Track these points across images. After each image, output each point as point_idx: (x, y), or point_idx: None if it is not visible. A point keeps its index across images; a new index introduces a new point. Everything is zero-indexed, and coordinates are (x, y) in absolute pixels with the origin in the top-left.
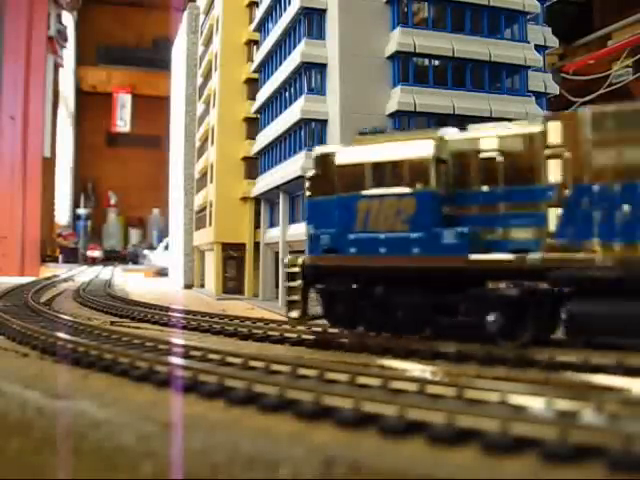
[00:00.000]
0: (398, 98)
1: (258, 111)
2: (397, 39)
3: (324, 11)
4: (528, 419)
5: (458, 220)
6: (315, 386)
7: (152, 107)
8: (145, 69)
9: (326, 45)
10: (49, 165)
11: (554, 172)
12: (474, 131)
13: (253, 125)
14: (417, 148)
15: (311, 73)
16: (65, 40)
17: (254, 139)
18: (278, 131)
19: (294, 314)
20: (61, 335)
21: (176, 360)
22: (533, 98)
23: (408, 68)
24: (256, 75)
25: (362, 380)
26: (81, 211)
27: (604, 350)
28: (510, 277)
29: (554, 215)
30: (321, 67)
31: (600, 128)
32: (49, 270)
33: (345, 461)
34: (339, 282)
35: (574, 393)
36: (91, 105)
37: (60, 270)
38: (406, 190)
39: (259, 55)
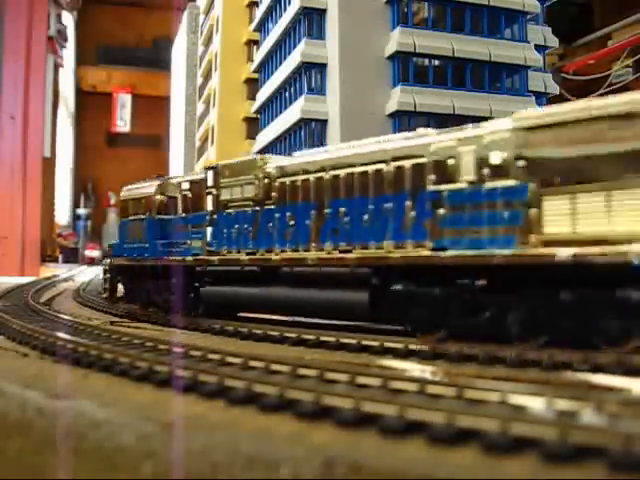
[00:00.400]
0: (398, 98)
1: (258, 111)
2: (397, 39)
3: (324, 11)
4: (528, 419)
5: (169, 235)
6: (315, 386)
7: (152, 107)
8: (145, 69)
9: (326, 45)
10: (49, 165)
11: (209, 204)
12: (182, 177)
13: (253, 125)
14: (148, 189)
15: (311, 73)
16: (65, 40)
17: (254, 139)
18: (278, 131)
19: (105, 295)
20: (61, 335)
21: (176, 360)
22: (533, 98)
23: (408, 68)
24: (256, 75)
25: (362, 380)
26: (81, 211)
27: (604, 350)
28: (184, 270)
29: (209, 231)
30: (321, 67)
31: (223, 175)
32: (49, 270)
33: (345, 461)
34: (126, 275)
35: (574, 393)
36: (91, 105)
37: (60, 270)
38: (143, 216)
39: (259, 55)
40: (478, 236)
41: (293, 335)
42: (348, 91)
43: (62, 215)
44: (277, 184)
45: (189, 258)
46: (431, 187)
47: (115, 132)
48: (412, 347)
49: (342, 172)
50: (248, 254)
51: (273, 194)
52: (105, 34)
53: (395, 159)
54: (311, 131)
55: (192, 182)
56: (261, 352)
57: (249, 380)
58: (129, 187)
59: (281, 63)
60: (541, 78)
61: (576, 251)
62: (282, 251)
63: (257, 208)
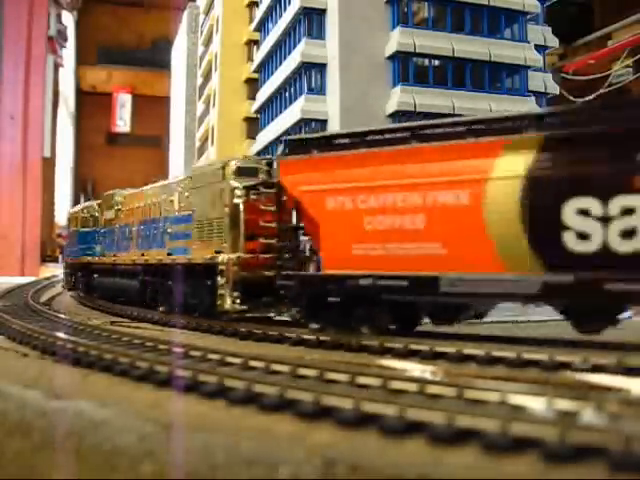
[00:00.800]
0: (398, 98)
1: (258, 111)
2: (397, 39)
3: (324, 11)
4: (528, 419)
5: (88, 242)
6: (315, 386)
7: (152, 107)
8: (145, 69)
9: (326, 45)
10: (49, 165)
11: (108, 221)
12: (97, 200)
13: (253, 125)
14: (84, 208)
15: (311, 73)
16: (65, 40)
17: (254, 139)
18: (278, 131)
19: (66, 286)
20: (61, 335)
21: (176, 360)
22: (533, 98)
23: (408, 68)
24: (256, 75)
25: (362, 380)
26: None
27: (604, 350)
28: (88, 266)
29: (102, 240)
30: (321, 67)
31: (103, 201)
32: (49, 270)
33: (345, 461)
34: (72, 270)
35: (574, 393)
36: (91, 105)
37: (60, 270)
38: (74, 229)
39: (259, 55)
40: (179, 246)
41: (293, 335)
42: (348, 91)
43: (62, 215)
44: (122, 209)
45: (89, 258)
46: (165, 214)
47: (115, 132)
48: (413, 347)
49: (143, 203)
50: (112, 256)
51: (121, 216)
52: (105, 34)
53: (159, 194)
54: (311, 131)
55: (99, 205)
56: (261, 352)
57: (249, 380)
58: (73, 208)
59: (281, 63)
60: (541, 78)
61: (190, 257)
62: (120, 255)
63: (117, 225)
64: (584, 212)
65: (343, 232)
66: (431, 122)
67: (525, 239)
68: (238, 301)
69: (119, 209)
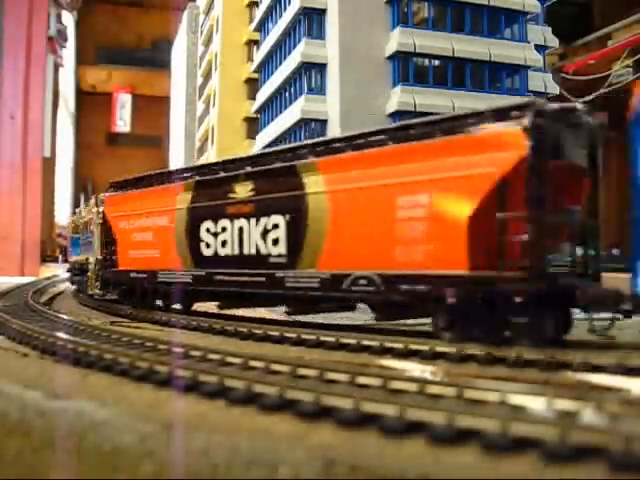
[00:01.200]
0: (398, 98)
1: (258, 111)
2: (397, 39)
3: (324, 11)
4: (528, 419)
5: (77, 245)
6: (315, 386)
7: (152, 107)
8: (145, 69)
9: (326, 45)
10: (49, 165)
11: (80, 230)
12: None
13: (253, 125)
14: (75, 218)
15: (311, 73)
16: (65, 40)
17: (254, 139)
18: (278, 131)
19: (72, 285)
20: (61, 335)
21: (176, 360)
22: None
23: (408, 68)
24: (256, 75)
25: (362, 380)
26: None
27: (604, 350)
28: (76, 264)
29: (78, 245)
30: (321, 67)
31: (78, 215)
32: (49, 270)
33: (345, 461)
34: (75, 270)
35: (574, 393)
36: (91, 105)
37: (60, 270)
38: (70, 235)
39: (259, 55)
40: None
41: (293, 335)
42: (348, 91)
43: (62, 215)
44: (83, 221)
45: (76, 257)
46: (92, 227)
47: (115, 132)
48: (413, 347)
49: (87, 217)
50: (80, 258)
51: (84, 226)
52: (105, 34)
53: (89, 211)
54: (311, 131)
55: (79, 217)
56: (261, 352)
57: (249, 380)
58: (72, 216)
59: (281, 63)
60: (541, 78)
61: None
62: (80, 257)
63: (83, 234)
64: (208, 230)
65: (125, 243)
66: (163, 171)
67: (187, 247)
68: (98, 287)
69: (82, 221)
